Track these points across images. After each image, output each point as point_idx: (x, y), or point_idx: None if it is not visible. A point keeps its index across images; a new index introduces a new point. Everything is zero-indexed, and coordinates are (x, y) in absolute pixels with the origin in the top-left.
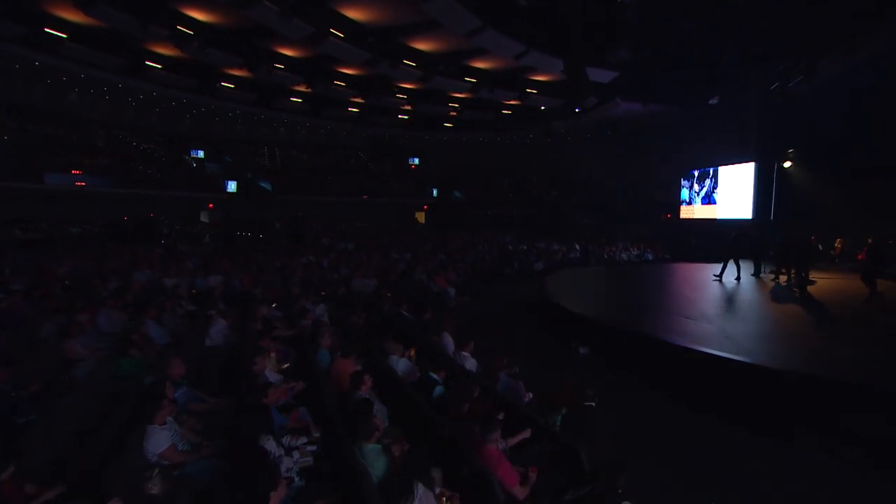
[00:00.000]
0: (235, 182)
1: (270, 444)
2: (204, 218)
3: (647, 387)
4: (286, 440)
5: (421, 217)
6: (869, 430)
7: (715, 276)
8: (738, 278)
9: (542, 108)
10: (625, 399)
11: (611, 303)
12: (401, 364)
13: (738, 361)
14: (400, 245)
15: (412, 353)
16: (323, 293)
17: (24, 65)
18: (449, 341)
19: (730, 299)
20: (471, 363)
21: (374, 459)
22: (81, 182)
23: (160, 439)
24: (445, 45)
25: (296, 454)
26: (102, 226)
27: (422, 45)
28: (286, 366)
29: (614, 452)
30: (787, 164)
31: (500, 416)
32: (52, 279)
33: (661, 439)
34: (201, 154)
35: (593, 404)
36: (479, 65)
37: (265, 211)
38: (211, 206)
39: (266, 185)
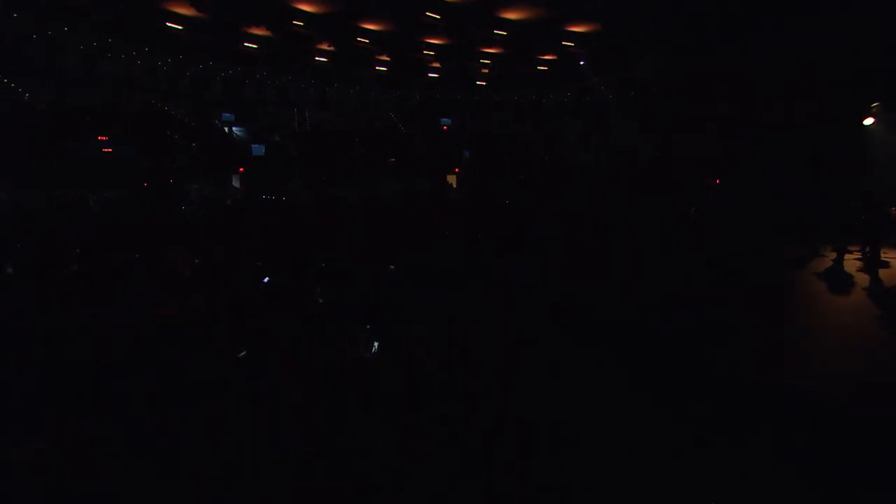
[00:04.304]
0: (263, 146)
1: None
2: (235, 182)
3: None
4: None
5: (453, 180)
6: None
7: None
8: None
9: (581, 63)
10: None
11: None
12: None
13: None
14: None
15: None
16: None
17: (55, 31)
18: None
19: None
20: None
21: None
22: (109, 149)
23: None
24: None
25: None
26: (128, 193)
27: None
28: None
29: None
30: (869, 122)
31: None
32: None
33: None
34: (232, 117)
35: None
36: (510, 15)
37: (293, 175)
38: (242, 170)
39: (293, 149)
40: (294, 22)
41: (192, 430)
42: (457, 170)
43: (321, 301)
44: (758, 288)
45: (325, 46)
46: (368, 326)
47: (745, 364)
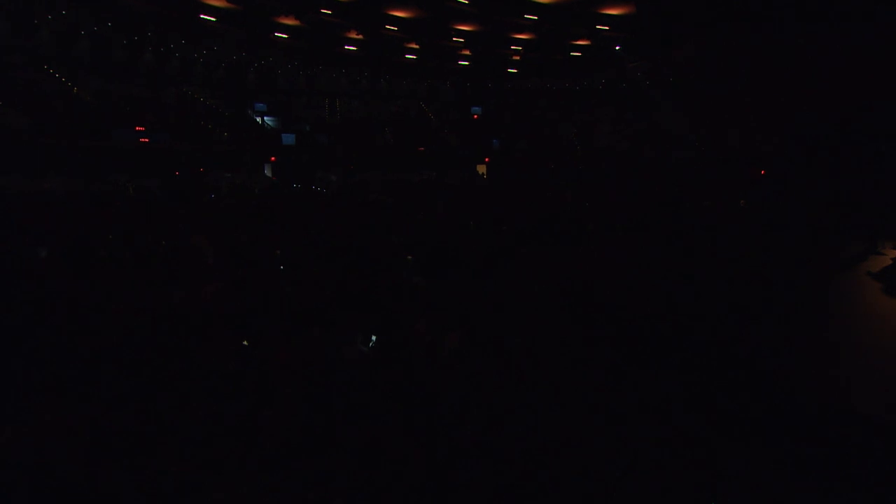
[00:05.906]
0: (294, 135)
1: None
2: (267, 171)
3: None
4: None
5: (482, 169)
6: None
7: None
8: None
9: (616, 48)
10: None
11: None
12: None
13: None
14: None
15: None
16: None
17: (100, 26)
18: None
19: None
20: None
21: None
22: (145, 139)
23: None
24: None
25: None
26: (161, 181)
27: None
28: None
29: None
30: None
31: None
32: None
33: None
34: (265, 107)
35: None
36: None
37: (322, 164)
38: (273, 158)
39: (323, 138)
40: (323, 10)
41: (182, 420)
42: (487, 159)
43: (329, 293)
44: (805, 288)
45: (353, 35)
46: (370, 319)
47: (780, 370)
